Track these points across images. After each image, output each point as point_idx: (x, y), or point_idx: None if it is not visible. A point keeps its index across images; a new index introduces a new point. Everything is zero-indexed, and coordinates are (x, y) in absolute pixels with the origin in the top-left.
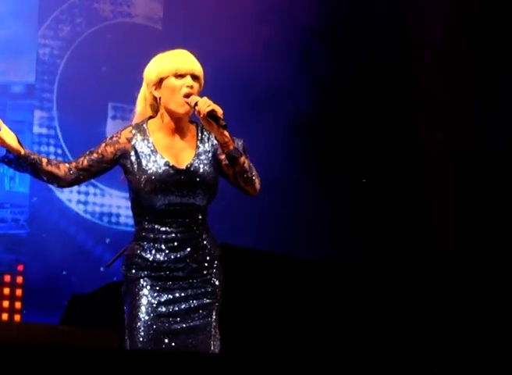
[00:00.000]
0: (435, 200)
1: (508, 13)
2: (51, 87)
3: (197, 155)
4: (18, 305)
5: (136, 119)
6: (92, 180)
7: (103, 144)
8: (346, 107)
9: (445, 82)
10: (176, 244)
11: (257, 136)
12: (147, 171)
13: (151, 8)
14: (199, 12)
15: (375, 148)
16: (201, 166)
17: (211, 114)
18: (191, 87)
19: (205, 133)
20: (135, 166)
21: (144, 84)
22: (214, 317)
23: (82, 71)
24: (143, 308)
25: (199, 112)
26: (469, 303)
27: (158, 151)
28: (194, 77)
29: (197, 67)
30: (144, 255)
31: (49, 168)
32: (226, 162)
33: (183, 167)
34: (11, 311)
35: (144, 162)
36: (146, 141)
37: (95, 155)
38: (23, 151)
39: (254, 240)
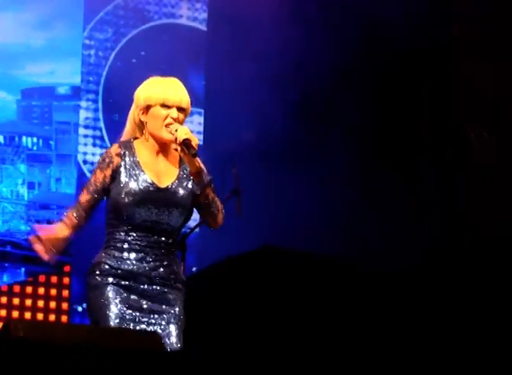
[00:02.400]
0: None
1: None
2: (96, 89)
3: (178, 179)
4: (65, 305)
5: (124, 136)
6: None
7: (98, 171)
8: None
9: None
10: (142, 256)
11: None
12: (129, 184)
13: (196, 9)
14: (244, 13)
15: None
16: (181, 189)
17: (186, 142)
18: (175, 119)
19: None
20: (120, 179)
21: (134, 105)
22: (174, 339)
23: (127, 72)
24: (112, 315)
25: (176, 139)
26: None
27: (143, 168)
28: (180, 109)
29: (184, 99)
30: (110, 262)
31: (72, 230)
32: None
33: (164, 186)
34: (58, 312)
35: (128, 176)
36: (132, 158)
37: (93, 187)
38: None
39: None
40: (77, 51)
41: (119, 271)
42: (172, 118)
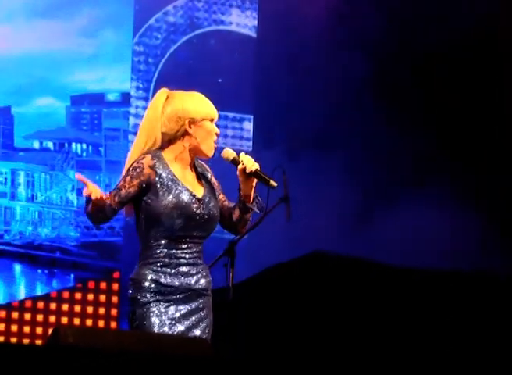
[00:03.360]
0: None
1: None
2: (146, 95)
3: (206, 189)
4: (114, 312)
5: (143, 145)
6: None
7: (128, 179)
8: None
9: None
10: (185, 269)
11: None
12: (167, 197)
13: (246, 16)
14: (294, 21)
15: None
16: (212, 199)
17: (257, 172)
18: (216, 134)
19: (199, 169)
20: (159, 192)
21: (173, 116)
22: None
23: (176, 78)
24: (155, 325)
25: (243, 169)
26: None
27: (180, 179)
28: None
29: (214, 112)
30: (154, 277)
31: (108, 209)
32: (226, 202)
33: (201, 196)
34: (107, 318)
35: (165, 189)
36: (166, 169)
37: (123, 191)
38: (105, 196)
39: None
40: (127, 58)
41: (163, 287)
42: (216, 134)
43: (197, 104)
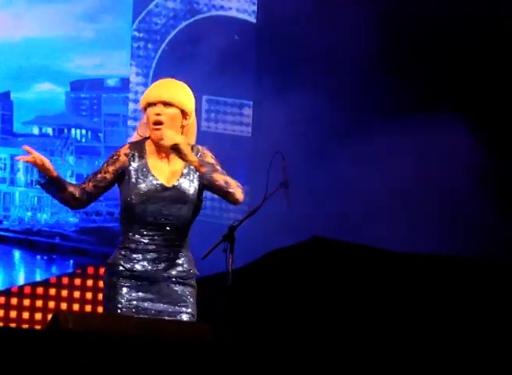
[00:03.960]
0: None
1: None
2: (145, 81)
3: (184, 175)
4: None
5: (136, 135)
6: None
7: (105, 165)
8: None
9: None
10: (155, 256)
11: None
12: (137, 185)
13: (246, 1)
14: (295, 6)
15: None
16: (187, 185)
17: (174, 148)
18: (158, 114)
19: (199, 153)
20: (131, 180)
21: None
22: None
23: (176, 64)
24: (121, 302)
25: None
26: None
27: (150, 169)
28: (166, 104)
29: (166, 93)
30: (124, 264)
31: (71, 189)
32: (217, 182)
33: (170, 185)
34: None
35: (136, 178)
36: (141, 159)
37: (99, 176)
38: (55, 174)
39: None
40: (126, 44)
41: (133, 272)
42: (155, 114)
43: (146, 91)
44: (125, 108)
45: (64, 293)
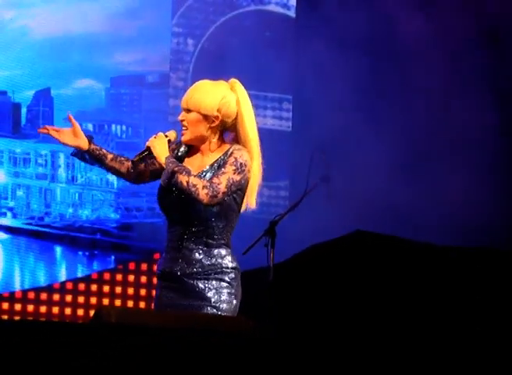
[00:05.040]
0: None
1: None
2: (185, 76)
3: (208, 170)
4: (155, 293)
5: None
6: None
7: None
8: None
9: None
10: (178, 253)
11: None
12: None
13: None
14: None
15: None
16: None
17: (148, 149)
18: (181, 121)
19: (223, 159)
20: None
21: None
22: None
23: (215, 59)
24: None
25: None
26: None
27: (184, 162)
28: (187, 110)
29: (184, 100)
30: (159, 262)
31: (112, 164)
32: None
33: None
34: (148, 299)
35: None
36: (182, 154)
37: (151, 159)
38: (87, 146)
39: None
40: (166, 39)
41: (163, 272)
42: (180, 120)
43: None
44: (165, 104)
45: (106, 289)
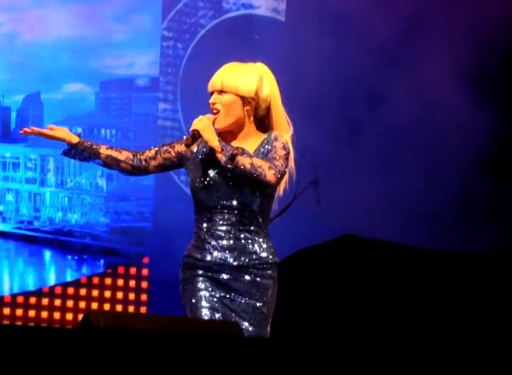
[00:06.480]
0: None
1: None
2: (175, 80)
3: None
4: (144, 297)
5: None
6: None
7: (174, 142)
8: None
9: None
10: (224, 243)
11: None
12: (200, 169)
13: (274, 0)
14: (323, 4)
15: None
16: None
17: (193, 134)
18: (213, 103)
19: (267, 146)
20: (193, 165)
21: None
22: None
23: (206, 63)
24: (203, 301)
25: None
26: None
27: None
28: (220, 91)
29: (218, 81)
30: (194, 254)
31: (109, 152)
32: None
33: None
34: (137, 303)
35: (201, 161)
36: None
37: (164, 147)
38: (76, 140)
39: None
40: (156, 43)
41: (204, 263)
42: (210, 103)
43: None
44: (155, 108)
45: (95, 293)
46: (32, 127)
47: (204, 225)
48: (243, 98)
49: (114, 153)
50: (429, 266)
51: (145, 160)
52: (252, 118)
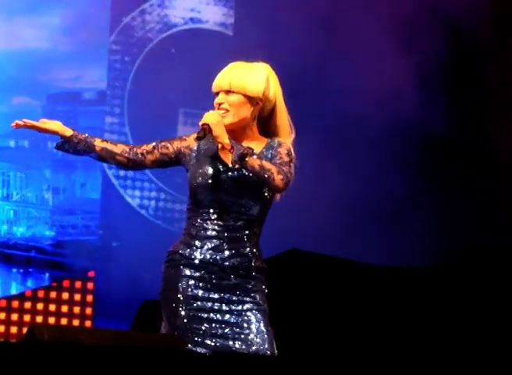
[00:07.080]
0: None
1: None
2: (122, 94)
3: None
4: (89, 311)
5: None
6: (163, 186)
7: (174, 138)
8: None
9: None
10: (217, 244)
11: None
12: (202, 166)
13: (222, 14)
14: (271, 18)
15: None
16: None
17: (203, 127)
18: (219, 104)
19: (271, 151)
20: (193, 161)
21: None
22: (257, 325)
23: (153, 77)
24: (183, 313)
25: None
26: None
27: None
28: (227, 91)
29: (225, 81)
30: (182, 252)
31: (104, 144)
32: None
33: (236, 166)
34: (82, 317)
35: (202, 159)
36: (212, 140)
37: (163, 143)
38: (69, 133)
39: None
40: (103, 56)
41: (192, 261)
42: (217, 103)
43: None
44: (101, 122)
45: (40, 306)
46: (24, 120)
47: (198, 222)
48: (250, 98)
49: (109, 146)
50: (376, 282)
51: (141, 154)
52: (256, 120)
